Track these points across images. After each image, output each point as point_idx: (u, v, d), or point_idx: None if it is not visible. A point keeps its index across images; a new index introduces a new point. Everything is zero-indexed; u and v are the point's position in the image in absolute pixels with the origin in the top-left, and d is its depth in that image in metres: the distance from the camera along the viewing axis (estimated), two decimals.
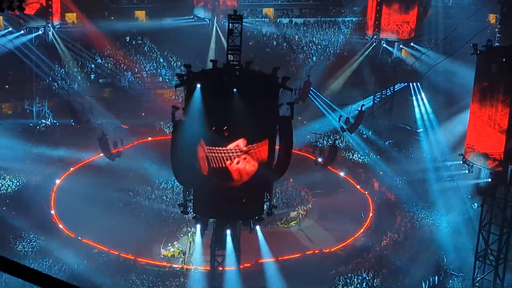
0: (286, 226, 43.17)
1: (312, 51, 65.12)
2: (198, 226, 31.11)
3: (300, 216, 44.33)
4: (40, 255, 36.92)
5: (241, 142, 27.77)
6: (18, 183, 44.32)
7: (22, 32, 51.41)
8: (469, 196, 42.62)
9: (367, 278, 36.51)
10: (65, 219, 41.23)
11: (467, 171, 36.22)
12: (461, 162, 35.68)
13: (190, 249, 38.77)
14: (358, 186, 48.11)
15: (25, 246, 37.62)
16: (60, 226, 40.62)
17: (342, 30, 66.77)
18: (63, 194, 43.88)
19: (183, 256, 38.58)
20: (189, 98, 27.92)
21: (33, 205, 42.11)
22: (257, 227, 31.68)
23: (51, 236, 38.96)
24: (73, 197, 42.03)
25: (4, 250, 35.71)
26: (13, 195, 43.27)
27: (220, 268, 32.30)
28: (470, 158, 34.38)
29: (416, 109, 55.21)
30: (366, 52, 57.57)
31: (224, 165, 27.93)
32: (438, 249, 39.57)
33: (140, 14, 65.86)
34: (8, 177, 44.48)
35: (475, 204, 41.21)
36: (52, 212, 42.18)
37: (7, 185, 43.90)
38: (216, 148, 27.76)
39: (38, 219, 40.44)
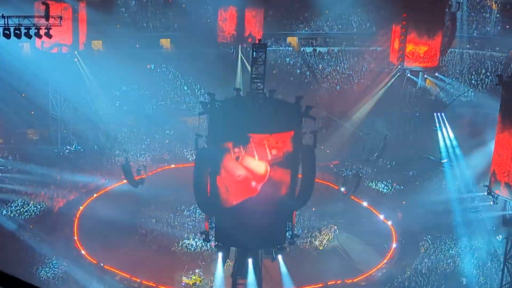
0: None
1: (336, 80, 65.17)
2: (220, 254, 31.06)
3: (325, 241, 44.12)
4: (62, 281, 36.94)
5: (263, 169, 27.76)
6: (41, 208, 44.51)
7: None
8: (494, 228, 42.22)
9: None
10: (88, 245, 41.27)
11: (491, 203, 35.88)
12: (486, 193, 35.36)
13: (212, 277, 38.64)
14: (381, 216, 47.76)
15: (47, 271, 37.63)
16: (83, 252, 40.66)
17: (366, 59, 66.75)
18: (86, 220, 44.00)
19: (204, 284, 38.44)
20: (212, 126, 28.03)
21: (56, 230, 42.26)
22: (279, 256, 31.57)
23: (73, 262, 39.00)
24: (96, 224, 42.10)
25: (26, 275, 35.78)
26: (37, 220, 43.44)
27: None
28: (495, 189, 34.05)
29: (440, 139, 54.86)
30: (390, 82, 57.51)
31: (245, 192, 27.94)
32: (462, 281, 39.07)
33: (165, 42, 66.36)
34: (32, 202, 44.71)
35: (500, 236, 40.71)
36: (75, 238, 42.26)
37: (31, 210, 44.09)
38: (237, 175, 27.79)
39: (61, 245, 40.51)
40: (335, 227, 45.40)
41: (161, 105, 61.08)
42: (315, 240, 44.14)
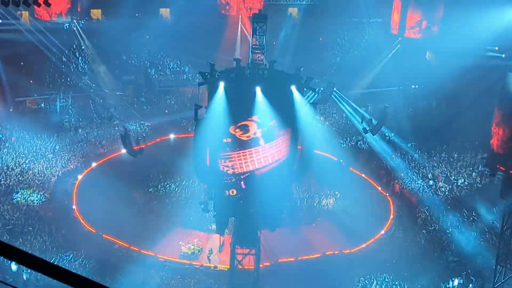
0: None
1: (336, 51, 64.96)
2: (219, 224, 31.26)
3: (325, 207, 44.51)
4: (60, 249, 37.11)
5: (262, 141, 27.84)
6: (40, 178, 44.55)
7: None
8: (492, 200, 42.41)
9: (387, 279, 36.36)
10: (86, 214, 41.44)
11: (490, 175, 36.07)
12: (484, 166, 35.53)
13: (210, 247, 38.86)
14: (379, 188, 47.95)
15: (46, 240, 37.81)
16: (81, 221, 40.84)
17: (367, 31, 66.49)
18: (85, 189, 44.13)
19: (202, 253, 38.67)
20: (212, 96, 28.03)
21: (55, 200, 42.37)
22: (278, 227, 31.76)
23: (72, 231, 39.22)
24: (94, 193, 42.22)
25: (24, 244, 36.01)
26: (35, 189, 43.50)
27: (240, 267, 32.41)
28: (493, 162, 34.22)
29: None
30: (391, 54, 57.40)
31: (244, 163, 28.01)
32: (459, 252, 39.31)
33: (165, 11, 66.04)
34: (31, 171, 44.76)
35: (497, 208, 40.93)
36: (74, 207, 42.40)
37: (30, 179, 44.12)
38: (237, 146, 27.87)
39: (60, 214, 40.69)
40: (338, 194, 45.66)
41: (161, 75, 60.98)
42: (314, 204, 44.44)
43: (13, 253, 3.66)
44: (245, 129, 27.87)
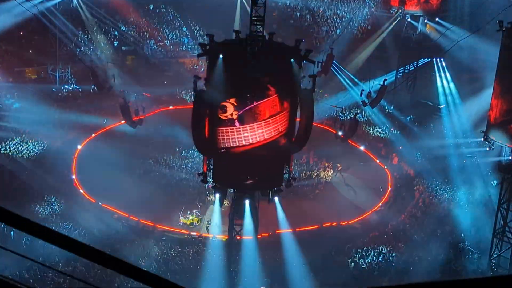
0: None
1: (336, 24, 64.68)
2: (217, 196, 31.40)
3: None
4: (60, 219, 37.30)
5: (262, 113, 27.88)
6: (40, 148, 44.64)
7: None
8: (489, 174, 42.56)
9: (384, 251, 36.63)
10: (86, 184, 41.60)
11: (488, 149, 36.14)
12: (482, 139, 35.57)
13: (207, 217, 39.06)
14: (378, 161, 48.09)
15: (46, 209, 38.00)
16: (81, 191, 40.99)
17: (367, 3, 66.12)
18: (84, 159, 44.21)
19: (201, 224, 38.91)
20: (211, 68, 28.00)
21: (54, 169, 42.43)
22: (276, 198, 31.91)
23: (71, 201, 39.39)
24: (94, 163, 42.29)
25: (24, 213, 36.10)
26: (35, 159, 43.64)
27: (238, 238, 32.63)
28: (491, 135, 34.27)
29: (439, 85, 54.80)
30: (391, 27, 57.16)
31: (244, 137, 28.09)
32: (455, 225, 39.56)
33: None
34: (30, 141, 44.81)
35: (495, 182, 41.11)
36: (73, 177, 42.54)
37: (29, 149, 44.24)
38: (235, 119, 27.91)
39: (59, 184, 40.80)
40: (339, 165, 45.91)
41: (160, 46, 60.81)
42: (313, 176, 44.70)
43: (13, 219, 3.75)
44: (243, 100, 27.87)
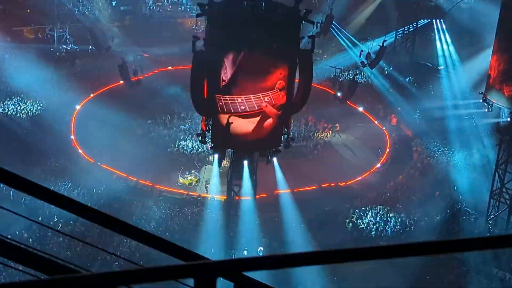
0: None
1: None
2: (216, 156, 31.49)
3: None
4: (59, 178, 37.39)
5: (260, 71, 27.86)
6: (38, 108, 44.56)
7: None
8: (487, 135, 42.64)
9: (381, 212, 36.83)
10: (85, 144, 41.62)
11: (486, 110, 36.20)
12: (481, 100, 35.60)
13: (205, 177, 39.19)
14: (376, 122, 48.11)
15: (45, 169, 38.08)
16: (80, 151, 41.04)
17: None
18: (83, 120, 44.16)
19: (199, 184, 39.06)
20: (210, 28, 27.88)
21: (53, 129, 42.36)
22: (274, 159, 32.02)
23: (70, 161, 39.48)
24: (92, 124, 42.30)
25: (23, 172, 36.17)
26: (33, 119, 43.59)
27: (236, 198, 32.81)
28: (490, 96, 34.29)
29: (438, 46, 54.52)
30: None
31: (239, 104, 28.09)
32: (453, 185, 39.72)
33: None
34: (29, 101, 44.72)
35: (492, 142, 41.20)
36: (72, 137, 42.54)
37: (28, 109, 44.19)
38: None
39: (58, 144, 40.79)
40: (338, 126, 45.97)
41: (158, 6, 60.38)
42: (311, 137, 44.83)
43: (12, 179, 3.77)
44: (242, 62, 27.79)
